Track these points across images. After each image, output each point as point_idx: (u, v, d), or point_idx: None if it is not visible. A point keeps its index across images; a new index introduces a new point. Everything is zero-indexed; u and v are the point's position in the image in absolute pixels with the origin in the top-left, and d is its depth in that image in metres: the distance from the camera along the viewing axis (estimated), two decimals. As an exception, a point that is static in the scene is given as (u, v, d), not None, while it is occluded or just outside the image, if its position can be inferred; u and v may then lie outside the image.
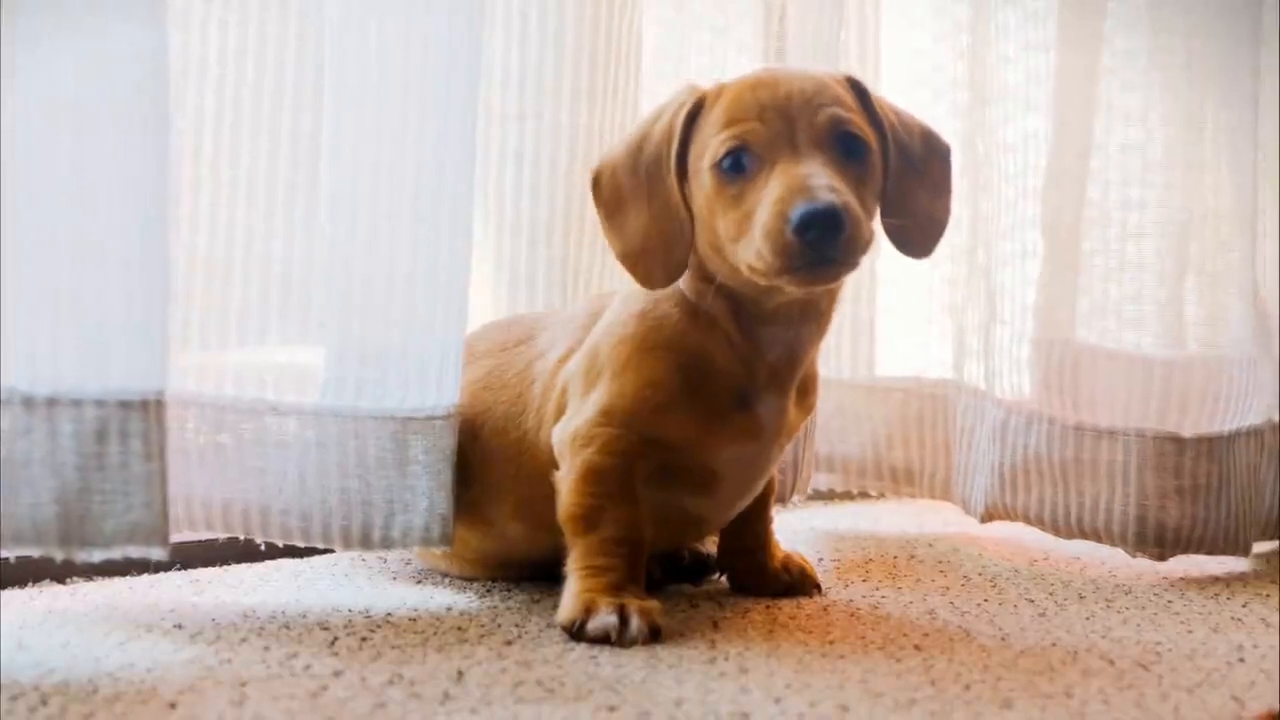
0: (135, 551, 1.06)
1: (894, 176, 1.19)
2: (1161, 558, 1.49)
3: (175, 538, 1.34)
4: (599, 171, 1.22)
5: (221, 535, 1.25)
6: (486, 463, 1.26)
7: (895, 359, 1.76)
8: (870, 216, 1.15)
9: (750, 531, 1.33)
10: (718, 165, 1.13)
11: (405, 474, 1.23)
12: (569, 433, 1.20)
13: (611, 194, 1.21)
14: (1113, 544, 1.50)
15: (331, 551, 1.39)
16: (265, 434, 1.23)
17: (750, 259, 1.10)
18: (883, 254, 1.74)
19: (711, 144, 1.14)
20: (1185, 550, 1.49)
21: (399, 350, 1.23)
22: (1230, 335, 1.57)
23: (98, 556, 1.06)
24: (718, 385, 1.19)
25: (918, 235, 1.22)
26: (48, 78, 1.04)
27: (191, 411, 1.23)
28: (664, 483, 1.21)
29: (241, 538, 1.25)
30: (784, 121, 1.13)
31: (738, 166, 1.13)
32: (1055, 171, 1.56)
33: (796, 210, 1.07)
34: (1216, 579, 1.46)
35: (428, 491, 1.23)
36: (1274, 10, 1.65)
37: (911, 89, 1.74)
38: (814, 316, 1.21)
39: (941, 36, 1.69)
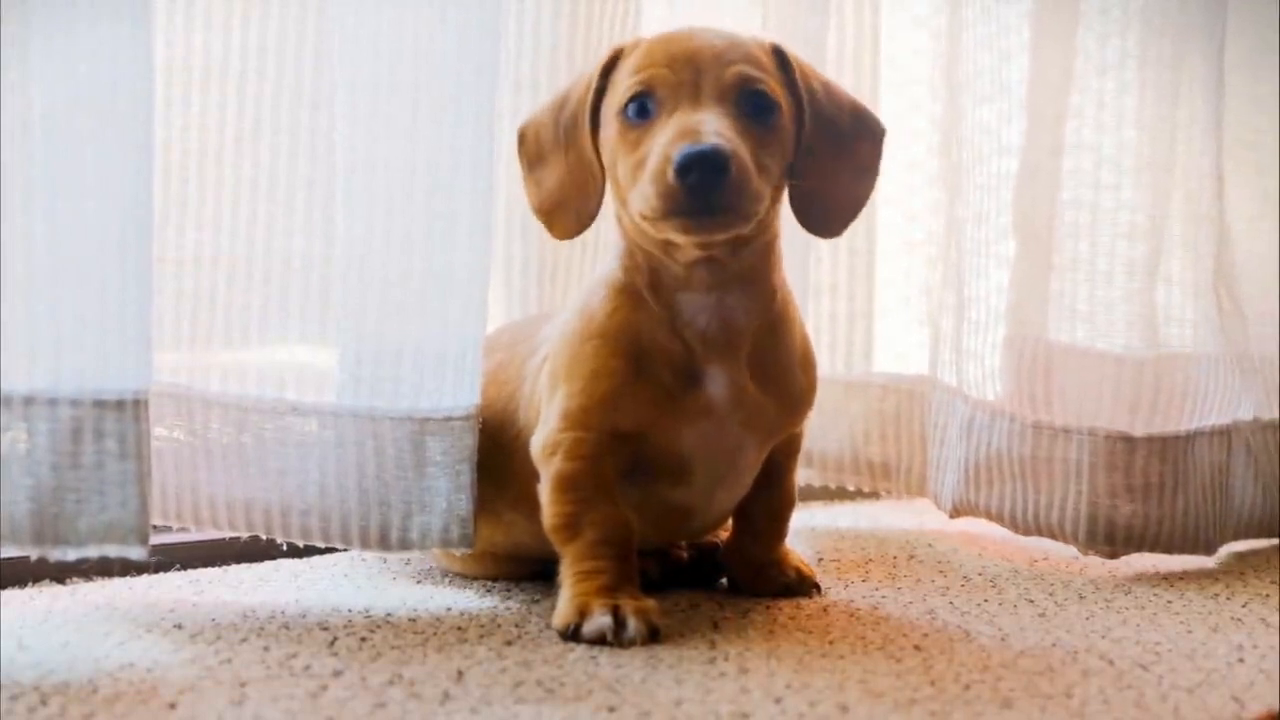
0: (112, 550, 1.06)
1: (810, 148, 1.19)
2: (1113, 555, 1.50)
3: (178, 537, 1.35)
4: (524, 128, 1.24)
5: (244, 534, 1.26)
6: (492, 454, 1.27)
7: (878, 355, 1.76)
8: (771, 178, 1.15)
9: (756, 532, 1.32)
10: (622, 111, 1.15)
11: (423, 475, 1.24)
12: (539, 443, 1.20)
13: (534, 149, 1.23)
14: (1066, 541, 1.51)
15: (334, 551, 1.39)
16: (287, 434, 1.24)
17: (640, 205, 1.11)
18: (881, 254, 1.76)
19: (619, 90, 1.16)
20: (1139, 549, 1.49)
21: (416, 349, 1.24)
22: (1192, 336, 1.58)
23: (72, 555, 1.06)
24: (658, 364, 1.19)
25: (831, 212, 1.23)
26: (25, 75, 1.04)
27: (215, 412, 1.23)
28: (639, 476, 1.21)
29: (244, 536, 1.26)
30: (691, 71, 1.14)
31: (642, 112, 1.14)
32: (1028, 171, 1.56)
33: (679, 151, 1.07)
34: (1217, 579, 1.46)
35: (446, 493, 1.24)
36: (1244, 11, 1.66)
37: (907, 86, 1.74)
38: (737, 282, 1.19)
39: (939, 35, 1.69)
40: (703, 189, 1.08)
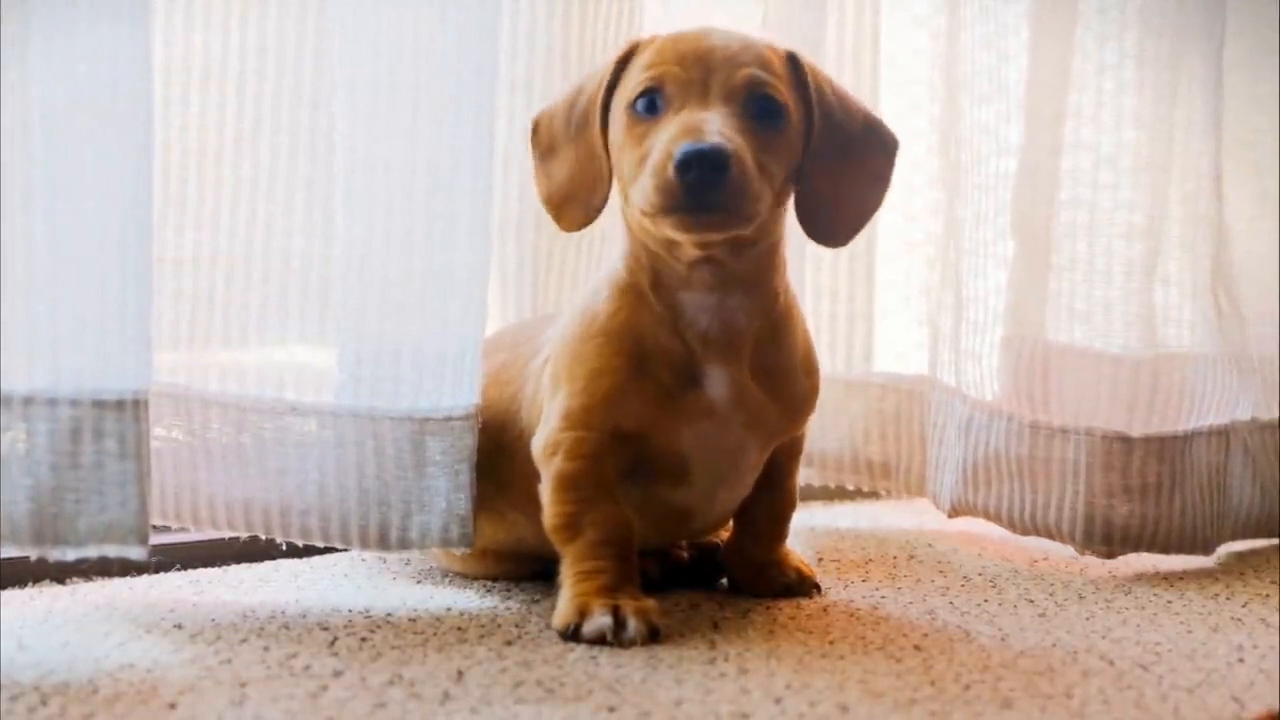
0: (112, 550, 1.06)
1: (819, 155, 1.19)
2: (1110, 555, 1.50)
3: (178, 537, 1.35)
4: (538, 119, 1.25)
5: (244, 534, 1.26)
6: (494, 454, 1.27)
7: (878, 355, 1.76)
8: (773, 181, 1.15)
9: (757, 533, 1.32)
10: (631, 105, 1.15)
11: (422, 475, 1.24)
12: (540, 444, 1.20)
13: (547, 140, 1.24)
14: (1063, 541, 1.51)
15: (334, 551, 1.39)
16: (286, 434, 1.24)
17: (640, 200, 1.12)
18: (881, 255, 1.76)
19: (629, 84, 1.16)
20: (1135, 549, 1.50)
21: (416, 349, 1.24)
22: (1189, 336, 1.58)
23: (71, 555, 1.06)
24: (658, 363, 1.19)
25: (836, 221, 1.23)
26: (25, 75, 1.04)
27: (214, 411, 1.23)
28: (639, 477, 1.21)
29: (244, 536, 1.27)
30: (702, 70, 1.14)
31: (650, 108, 1.15)
32: (1027, 170, 1.56)
33: (680, 148, 1.08)
34: (1217, 579, 1.46)
35: (445, 492, 1.24)
36: (1243, 11, 1.66)
37: (907, 86, 1.73)
38: (739, 284, 1.19)
39: (938, 35, 1.69)
40: (701, 187, 1.08)
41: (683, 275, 1.19)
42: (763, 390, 1.21)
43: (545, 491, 1.20)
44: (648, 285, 1.20)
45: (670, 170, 1.08)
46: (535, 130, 1.24)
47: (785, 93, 1.16)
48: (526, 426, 1.25)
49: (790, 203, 1.22)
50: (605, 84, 1.19)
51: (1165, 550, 1.51)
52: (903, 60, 1.74)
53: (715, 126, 1.10)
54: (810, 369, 1.27)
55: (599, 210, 1.21)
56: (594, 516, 1.18)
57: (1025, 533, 1.53)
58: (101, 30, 1.05)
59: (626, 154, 1.15)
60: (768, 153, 1.14)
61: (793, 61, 1.20)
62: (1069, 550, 1.54)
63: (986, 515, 1.56)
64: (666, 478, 1.22)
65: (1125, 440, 1.49)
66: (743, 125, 1.12)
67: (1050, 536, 1.52)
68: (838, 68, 1.67)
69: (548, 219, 1.50)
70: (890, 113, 1.72)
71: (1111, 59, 1.55)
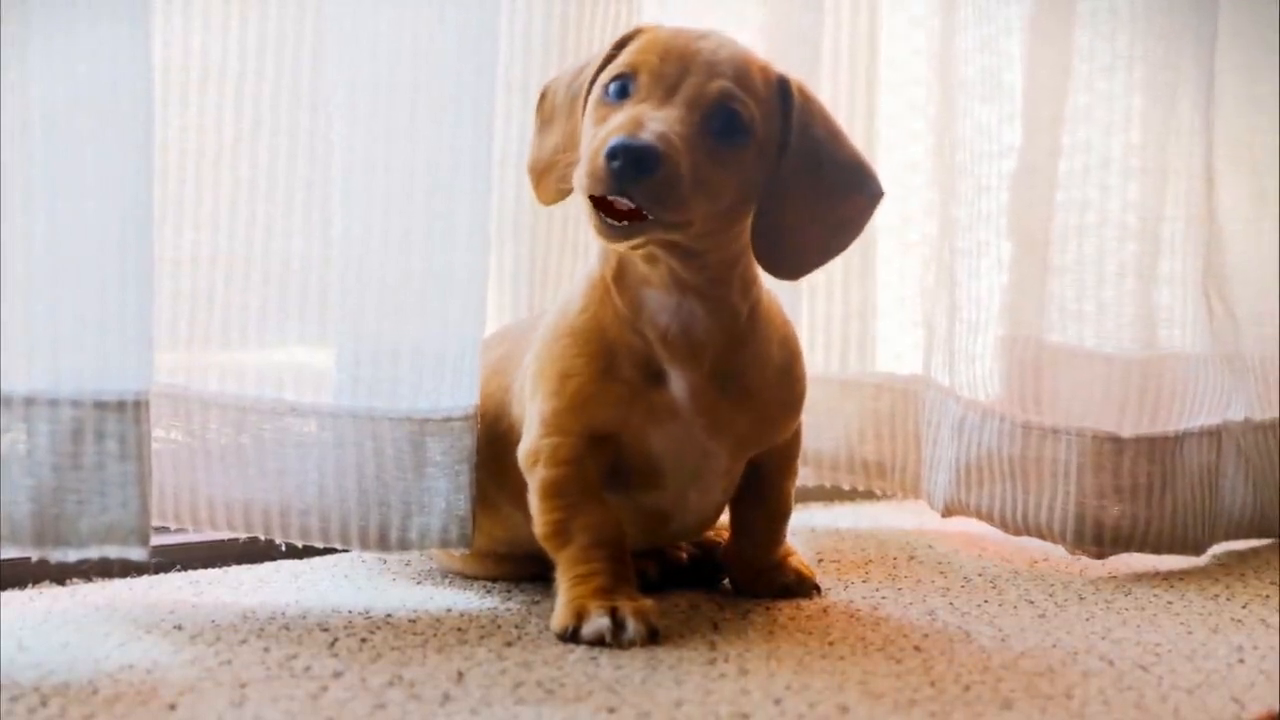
0: (113, 551, 1.06)
1: (790, 185, 1.17)
2: (1100, 556, 1.51)
3: (178, 538, 1.35)
4: (546, 88, 1.25)
5: (244, 535, 1.26)
6: (491, 448, 1.27)
7: (875, 355, 1.76)
8: (715, 197, 1.12)
9: (754, 536, 1.32)
10: (605, 86, 1.15)
11: (422, 475, 1.24)
12: (523, 452, 1.21)
13: (549, 109, 1.24)
14: (1054, 541, 1.52)
15: (334, 552, 1.39)
16: (285, 435, 1.24)
17: (576, 179, 1.11)
18: (878, 255, 1.76)
19: (611, 67, 1.16)
20: (1126, 549, 1.50)
21: (415, 349, 1.24)
22: (1181, 336, 1.58)
23: (73, 556, 1.06)
24: (624, 359, 1.19)
25: (797, 253, 1.20)
26: (25, 75, 1.04)
27: (214, 412, 1.23)
28: (614, 480, 1.21)
29: (244, 537, 1.27)
30: (678, 70, 1.13)
31: (621, 93, 1.14)
32: (1024, 172, 1.56)
33: (614, 138, 1.07)
34: (1216, 580, 1.46)
35: (445, 493, 1.24)
36: (1242, 12, 1.66)
37: (906, 86, 1.73)
38: (694, 292, 1.18)
39: (934, 35, 1.68)
40: (623, 178, 1.07)
41: (644, 272, 1.18)
42: (729, 399, 1.20)
43: (532, 500, 1.20)
44: (613, 279, 1.19)
45: (601, 156, 1.07)
46: (542, 98, 1.25)
47: (756, 113, 1.14)
48: (516, 419, 1.25)
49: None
50: (599, 64, 1.19)
51: (1156, 550, 1.51)
52: (902, 61, 1.74)
53: (657, 126, 1.08)
54: (788, 383, 1.25)
55: (569, 183, 1.18)
56: (583, 521, 1.18)
57: (1017, 533, 1.54)
58: (101, 30, 1.05)
59: (587, 133, 1.15)
60: (719, 167, 1.12)
61: (782, 86, 1.18)
62: (1067, 551, 1.54)
63: (979, 515, 1.56)
64: (639, 480, 1.22)
65: (1116, 441, 1.49)
66: (696, 134, 1.11)
67: (1041, 537, 1.52)
68: (835, 69, 1.67)
69: (545, 221, 1.51)
70: (888, 114, 1.73)
71: (1106, 61, 1.55)
